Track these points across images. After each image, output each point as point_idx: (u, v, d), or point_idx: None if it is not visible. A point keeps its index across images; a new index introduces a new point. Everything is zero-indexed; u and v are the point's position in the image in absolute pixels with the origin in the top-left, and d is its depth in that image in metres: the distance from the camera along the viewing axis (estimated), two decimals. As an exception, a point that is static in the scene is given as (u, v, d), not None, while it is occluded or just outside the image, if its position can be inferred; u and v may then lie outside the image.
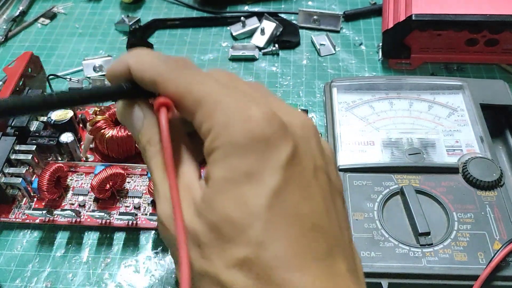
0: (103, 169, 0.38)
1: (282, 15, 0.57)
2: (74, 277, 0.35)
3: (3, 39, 0.55)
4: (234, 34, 0.55)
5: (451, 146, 0.38)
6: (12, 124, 0.40)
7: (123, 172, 0.38)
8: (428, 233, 0.33)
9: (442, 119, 0.41)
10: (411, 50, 0.50)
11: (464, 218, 0.34)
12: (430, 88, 0.43)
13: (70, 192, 0.39)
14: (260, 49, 0.53)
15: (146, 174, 0.40)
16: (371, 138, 0.39)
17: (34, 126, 0.41)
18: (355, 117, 0.41)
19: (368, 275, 0.32)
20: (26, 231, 0.38)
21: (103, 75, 0.51)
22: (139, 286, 0.35)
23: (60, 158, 0.40)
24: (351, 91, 0.43)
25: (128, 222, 0.37)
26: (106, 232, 0.38)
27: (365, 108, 0.42)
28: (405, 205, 0.35)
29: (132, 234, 0.38)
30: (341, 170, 0.37)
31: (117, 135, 0.39)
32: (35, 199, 0.39)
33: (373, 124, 0.40)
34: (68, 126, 0.41)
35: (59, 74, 0.50)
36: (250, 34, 0.55)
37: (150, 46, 0.53)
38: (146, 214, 0.38)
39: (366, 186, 0.36)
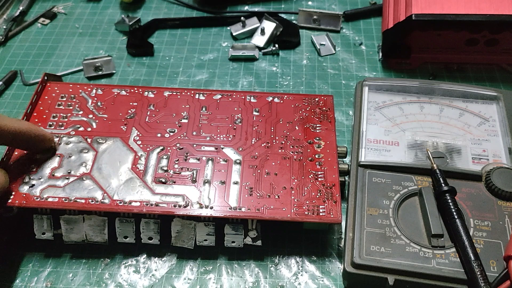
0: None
1: (282, 15, 0.57)
2: (74, 277, 0.35)
3: (3, 39, 0.55)
4: (234, 34, 0.55)
5: (477, 155, 0.38)
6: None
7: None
8: (441, 235, 0.33)
9: (472, 127, 0.40)
10: (411, 50, 0.50)
11: (481, 225, 0.34)
12: (463, 96, 0.42)
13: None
14: (260, 49, 0.53)
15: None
16: (396, 138, 0.39)
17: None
18: (383, 117, 0.41)
19: (375, 269, 0.32)
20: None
21: (102, 75, 0.51)
22: (139, 286, 0.35)
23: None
24: (382, 91, 0.43)
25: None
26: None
27: (394, 109, 0.42)
28: (422, 206, 0.35)
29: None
30: (361, 165, 0.37)
31: None
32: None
33: (400, 126, 0.40)
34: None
35: (59, 74, 0.50)
36: (250, 34, 0.55)
37: (150, 46, 0.53)
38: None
39: (385, 183, 0.36)
